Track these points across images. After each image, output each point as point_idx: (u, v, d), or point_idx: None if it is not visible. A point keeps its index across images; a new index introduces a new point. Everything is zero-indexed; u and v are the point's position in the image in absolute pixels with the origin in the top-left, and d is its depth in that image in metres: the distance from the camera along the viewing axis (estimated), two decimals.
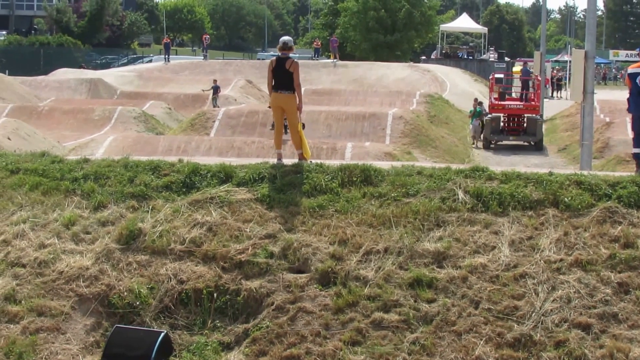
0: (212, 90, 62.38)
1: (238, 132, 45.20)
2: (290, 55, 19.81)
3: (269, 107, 20.26)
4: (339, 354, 15.02)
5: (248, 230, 17.20)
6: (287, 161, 19.22)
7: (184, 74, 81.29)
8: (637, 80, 19.46)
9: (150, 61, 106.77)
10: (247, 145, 39.59)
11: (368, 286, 16.03)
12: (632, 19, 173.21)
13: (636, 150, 20.05)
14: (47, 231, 17.56)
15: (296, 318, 15.67)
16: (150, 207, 17.87)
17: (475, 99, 55.68)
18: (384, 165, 19.82)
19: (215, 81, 63.75)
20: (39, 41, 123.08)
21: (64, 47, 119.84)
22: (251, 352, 15.25)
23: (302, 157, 19.59)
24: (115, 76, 79.07)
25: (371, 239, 16.87)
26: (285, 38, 20.43)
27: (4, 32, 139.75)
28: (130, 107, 56.55)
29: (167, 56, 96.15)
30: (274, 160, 19.29)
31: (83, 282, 16.50)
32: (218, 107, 56.31)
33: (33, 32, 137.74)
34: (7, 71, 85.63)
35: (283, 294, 16.07)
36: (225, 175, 18.48)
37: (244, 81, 70.84)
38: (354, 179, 18.30)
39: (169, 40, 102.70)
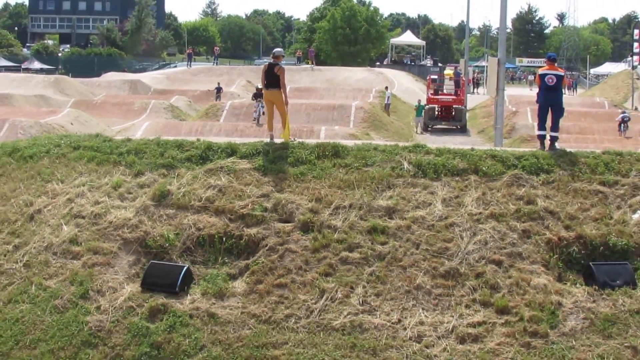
0: (215, 90, 62.34)
1: (241, 119, 45.19)
2: (280, 62, 19.80)
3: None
4: (316, 282, 15.02)
5: (248, 191, 17.13)
6: (277, 140, 19.14)
7: (200, 76, 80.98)
8: (545, 79, 19.56)
9: (175, 67, 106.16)
10: (247, 129, 39.62)
11: (337, 232, 16.01)
12: (532, 35, 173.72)
13: (539, 132, 20.15)
14: (100, 192, 17.47)
15: (284, 256, 15.65)
16: (176, 174, 17.77)
17: (419, 100, 55.56)
18: (349, 143, 19.76)
19: (218, 83, 63.73)
20: (93, 52, 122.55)
21: (111, 56, 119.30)
22: (250, 281, 15.23)
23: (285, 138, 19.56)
24: (150, 78, 78.75)
25: (339, 197, 16.82)
26: (277, 50, 20.48)
27: (68, 46, 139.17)
28: (160, 101, 56.43)
29: (189, 63, 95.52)
30: (267, 139, 19.21)
31: (127, 229, 16.43)
32: (222, 102, 56.22)
33: (89, 45, 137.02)
34: (70, 74, 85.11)
35: (274, 238, 16.03)
36: (231, 151, 18.38)
37: (245, 81, 70.79)
38: (327, 153, 18.21)
39: (191, 51, 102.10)
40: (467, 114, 54.95)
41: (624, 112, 48.82)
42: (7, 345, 14.36)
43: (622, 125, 45.52)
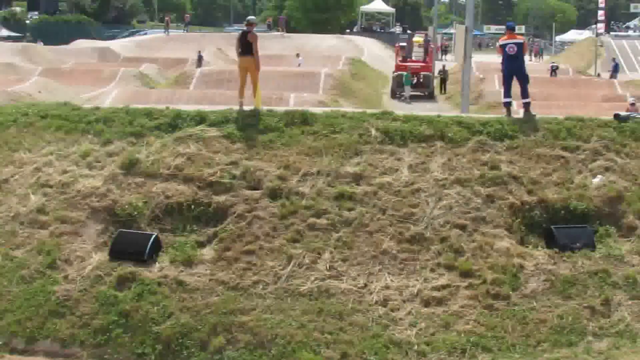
0: (197, 58, 62.02)
1: (211, 87, 44.86)
2: (253, 30, 19.81)
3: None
4: (283, 249, 15.10)
5: (217, 159, 17.12)
6: (246, 108, 19.11)
7: (170, 44, 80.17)
8: (506, 49, 19.71)
9: (145, 34, 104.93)
10: (217, 96, 39.25)
11: (305, 199, 16.06)
12: (500, 2, 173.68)
13: (505, 100, 20.30)
14: (68, 161, 17.40)
15: (252, 223, 15.69)
16: (145, 142, 17.72)
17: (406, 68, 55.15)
18: (318, 110, 19.80)
19: (199, 52, 63.40)
20: (62, 19, 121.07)
21: (81, 23, 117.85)
22: (219, 248, 15.28)
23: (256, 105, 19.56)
24: (119, 45, 77.93)
25: (307, 164, 16.86)
26: (250, 17, 20.72)
27: (36, 13, 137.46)
28: (130, 69, 55.85)
29: (167, 30, 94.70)
30: (236, 107, 19.16)
31: (95, 198, 16.39)
32: (192, 69, 55.85)
33: (57, 12, 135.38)
34: (39, 42, 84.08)
35: (242, 205, 16.05)
36: (200, 118, 18.34)
37: (215, 49, 70.23)
38: (295, 120, 18.23)
39: (168, 18, 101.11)
40: (435, 81, 54.85)
41: (553, 63, 64.37)
42: None
43: (552, 72, 59.59)
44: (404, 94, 50.29)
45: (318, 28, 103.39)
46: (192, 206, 16.23)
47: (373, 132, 17.82)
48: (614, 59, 68.14)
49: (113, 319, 14.01)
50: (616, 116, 19.23)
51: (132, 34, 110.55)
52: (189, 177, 16.76)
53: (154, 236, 15.50)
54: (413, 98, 49.97)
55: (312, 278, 14.56)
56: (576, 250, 15.32)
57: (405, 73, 51.52)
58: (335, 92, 45.22)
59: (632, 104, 39.64)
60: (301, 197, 16.13)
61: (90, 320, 14.06)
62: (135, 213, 16.10)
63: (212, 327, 13.73)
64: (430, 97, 52.11)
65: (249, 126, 18.15)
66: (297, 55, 60.56)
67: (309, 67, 55.07)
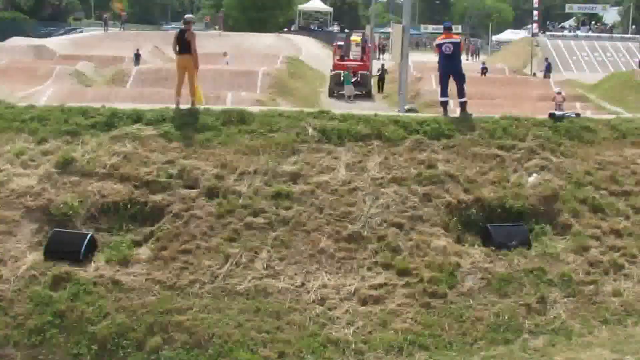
0: (134, 57, 61.53)
1: (148, 85, 44.51)
2: (191, 28, 19.74)
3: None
4: (220, 248, 15.03)
5: (153, 157, 16.99)
6: (183, 106, 19.00)
7: (107, 42, 79.56)
8: (443, 48, 19.93)
9: (82, 31, 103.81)
10: (154, 95, 38.99)
11: (242, 198, 16.02)
12: (437, 2, 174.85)
13: (442, 99, 20.48)
14: (2, 159, 17.09)
15: (189, 222, 15.60)
16: (81, 141, 17.52)
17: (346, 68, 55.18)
18: (255, 109, 19.77)
19: (137, 50, 62.94)
20: None
21: (16, 20, 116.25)
22: (155, 248, 15.15)
23: (194, 103, 19.43)
24: (55, 43, 76.92)
25: (245, 163, 16.83)
26: (187, 16, 20.54)
27: None
28: (66, 66, 55.18)
29: (106, 27, 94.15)
30: (173, 106, 19.05)
31: (29, 197, 16.14)
32: (129, 67, 55.39)
33: None
34: None
35: (179, 205, 15.95)
36: (137, 117, 18.19)
37: (152, 47, 69.76)
38: (232, 119, 18.18)
39: (107, 16, 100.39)
40: (372, 80, 54.94)
41: (483, 63, 64.88)
42: None
43: (482, 73, 60.06)
44: (345, 93, 50.23)
45: (256, 27, 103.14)
46: (128, 205, 16.08)
47: (310, 131, 17.84)
48: (546, 59, 69.32)
49: (48, 319, 13.80)
50: (551, 115, 19.52)
51: (68, 32, 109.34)
52: (125, 176, 16.59)
53: (89, 235, 15.32)
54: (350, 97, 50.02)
55: (250, 277, 14.52)
56: (512, 248, 15.51)
57: (346, 72, 51.53)
58: (273, 90, 45.15)
59: (559, 93, 41.13)
60: (238, 196, 16.08)
61: (25, 320, 13.83)
62: (71, 212, 15.88)
63: (149, 326, 13.61)
64: (368, 96, 52.17)
65: (186, 125, 18.05)
66: (224, 54, 60.28)
67: (247, 66, 54.91)
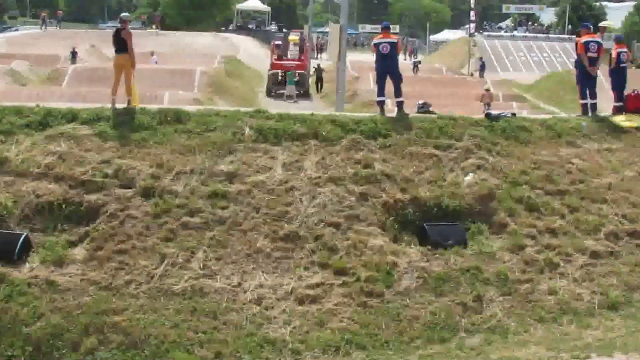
0: (71, 55, 60.90)
1: (84, 84, 44.13)
2: (127, 27, 19.66)
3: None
4: (156, 247, 14.91)
5: (89, 157, 16.82)
6: (119, 106, 18.85)
7: (43, 40, 78.56)
8: (380, 48, 20.06)
9: (17, 30, 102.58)
10: (90, 94, 38.64)
11: (178, 198, 15.93)
12: (375, 2, 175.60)
13: (379, 99, 20.61)
14: None
15: (125, 222, 15.46)
16: (15, 140, 17.27)
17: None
18: (192, 108, 19.68)
19: (73, 48, 62.34)
20: None
21: None
22: (91, 248, 14.98)
23: (130, 102, 19.28)
24: None
25: (181, 163, 16.74)
26: (123, 14, 20.66)
27: None
28: (0, 65, 54.44)
29: (44, 25, 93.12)
30: (109, 105, 18.88)
31: None
32: (64, 66, 54.82)
33: None
34: None
35: (115, 204, 15.80)
36: (72, 116, 17.99)
37: (88, 45, 69.11)
38: (169, 119, 18.08)
39: (45, 14, 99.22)
40: (310, 79, 55.05)
41: (415, 58, 71.10)
42: None
43: (414, 68, 64.97)
44: (286, 92, 50.17)
45: (193, 25, 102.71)
46: (63, 205, 15.87)
47: (247, 130, 17.81)
48: (480, 58, 70.38)
49: None
50: (487, 115, 19.74)
51: (3, 30, 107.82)
52: (60, 176, 16.39)
53: (23, 236, 15.08)
54: (288, 97, 50.02)
55: (186, 277, 14.44)
56: (448, 247, 15.63)
57: (289, 72, 51.57)
58: (210, 90, 45.07)
59: (487, 90, 41.91)
60: (174, 196, 15.99)
61: None
62: (5, 212, 15.63)
63: (84, 327, 13.44)
64: (306, 95, 52.30)
65: (122, 124, 17.90)
66: (152, 53, 59.85)
67: (184, 65, 54.64)
